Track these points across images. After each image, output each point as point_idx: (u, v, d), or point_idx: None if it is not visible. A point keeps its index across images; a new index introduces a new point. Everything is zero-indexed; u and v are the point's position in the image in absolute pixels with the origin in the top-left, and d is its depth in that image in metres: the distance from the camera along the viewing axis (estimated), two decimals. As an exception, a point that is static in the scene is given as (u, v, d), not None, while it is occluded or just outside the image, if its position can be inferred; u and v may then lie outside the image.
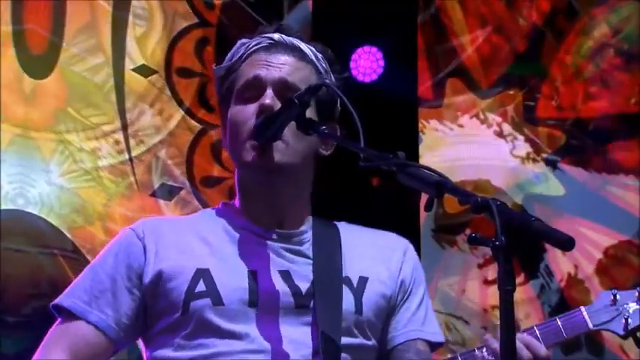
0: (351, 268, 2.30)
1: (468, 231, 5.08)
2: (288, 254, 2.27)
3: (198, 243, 2.26)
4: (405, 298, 2.34)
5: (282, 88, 2.27)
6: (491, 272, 5.04)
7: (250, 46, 2.33)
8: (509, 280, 1.76)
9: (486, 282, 5.08)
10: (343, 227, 2.41)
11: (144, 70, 4.84)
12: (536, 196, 5.13)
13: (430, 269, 5.14)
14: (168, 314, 2.20)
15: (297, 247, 2.29)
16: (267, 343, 2.15)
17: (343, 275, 2.27)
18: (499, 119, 5.24)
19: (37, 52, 4.63)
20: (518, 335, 2.18)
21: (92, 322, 2.22)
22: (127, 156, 4.75)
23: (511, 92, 5.24)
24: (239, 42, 2.37)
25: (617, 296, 2.32)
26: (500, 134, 5.24)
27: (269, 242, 2.27)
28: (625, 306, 2.32)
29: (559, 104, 5.17)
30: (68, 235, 4.58)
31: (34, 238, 4.51)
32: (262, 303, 2.18)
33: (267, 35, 2.34)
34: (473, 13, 5.31)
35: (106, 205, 4.66)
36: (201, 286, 2.18)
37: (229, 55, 2.37)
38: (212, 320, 2.16)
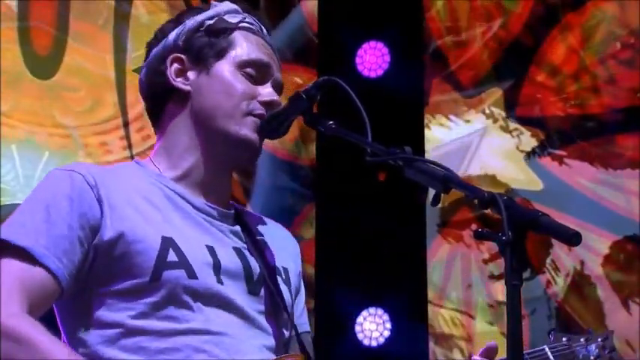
0: (274, 258, 2.26)
1: (473, 226, 5.08)
2: (231, 235, 2.23)
3: (147, 206, 2.14)
4: (299, 290, 2.35)
5: (278, 90, 2.29)
6: (498, 267, 5.05)
7: (244, 19, 2.32)
8: (515, 275, 1.77)
9: (492, 277, 5.08)
10: (238, 209, 2.33)
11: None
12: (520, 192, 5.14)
13: (435, 264, 5.14)
14: (129, 277, 2.08)
15: (236, 229, 2.24)
16: (235, 322, 2.12)
17: (274, 265, 2.25)
18: (505, 114, 5.23)
19: (42, 52, 4.65)
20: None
21: (52, 269, 2.05)
22: (129, 153, 4.78)
23: (515, 87, 5.24)
24: (227, 3, 2.33)
25: (570, 339, 2.42)
26: (506, 129, 5.23)
27: (214, 220, 2.21)
28: (579, 349, 2.42)
29: (565, 98, 5.17)
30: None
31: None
32: (225, 282, 2.13)
33: (253, 15, 2.34)
34: (476, 9, 5.31)
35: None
36: (172, 256, 2.08)
37: (215, 9, 2.31)
38: (186, 294, 2.08)
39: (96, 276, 2.10)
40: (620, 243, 4.98)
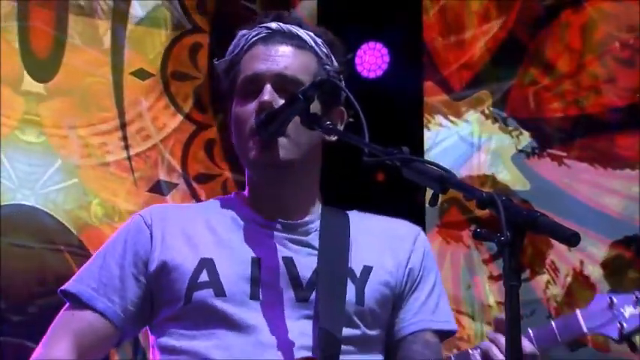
0: (356, 259, 2.27)
1: (473, 227, 5.08)
2: (291, 244, 2.25)
3: (204, 231, 2.25)
4: (414, 287, 2.32)
5: (281, 82, 2.25)
6: (497, 268, 5.04)
7: (249, 38, 2.30)
8: (514, 276, 1.76)
9: (492, 277, 5.08)
10: (354, 216, 2.38)
11: (142, 74, 4.89)
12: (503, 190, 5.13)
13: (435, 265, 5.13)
14: (172, 304, 2.19)
15: (301, 238, 2.27)
16: (268, 336, 2.14)
17: (348, 267, 2.25)
18: (504, 114, 5.23)
19: (41, 55, 4.66)
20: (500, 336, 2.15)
21: (99, 309, 2.21)
22: (127, 153, 4.77)
23: (515, 87, 5.24)
24: (239, 33, 2.33)
25: (614, 300, 2.27)
26: (505, 129, 5.23)
27: (273, 232, 2.25)
28: (621, 309, 2.27)
29: (564, 98, 5.16)
30: (73, 231, 4.58)
31: (39, 234, 4.51)
32: (264, 295, 2.18)
33: (265, 25, 2.31)
34: (477, 9, 5.30)
35: (111, 201, 4.67)
36: (204, 276, 2.17)
37: (231, 47, 2.34)
38: (215, 311, 2.15)
39: (155, 306, 2.23)
40: (619, 243, 4.98)
